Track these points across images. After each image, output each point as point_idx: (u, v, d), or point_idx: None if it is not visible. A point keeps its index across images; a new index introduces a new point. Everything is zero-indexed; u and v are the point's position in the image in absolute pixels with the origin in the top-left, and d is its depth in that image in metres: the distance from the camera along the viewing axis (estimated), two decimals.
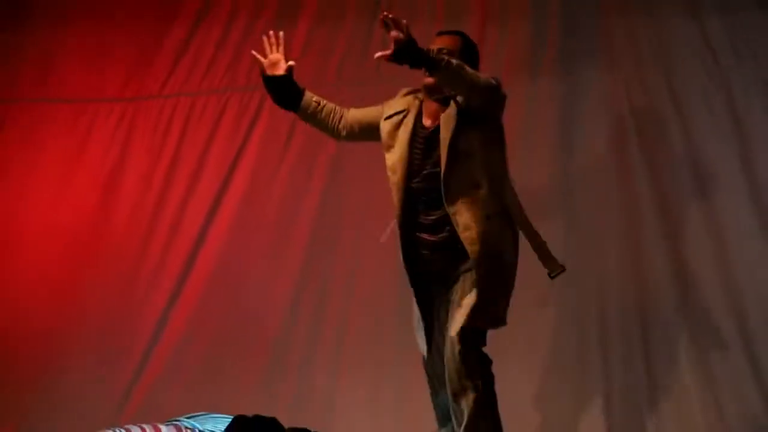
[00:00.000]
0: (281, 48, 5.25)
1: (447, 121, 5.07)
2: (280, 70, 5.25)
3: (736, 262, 6.22)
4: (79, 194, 6.98)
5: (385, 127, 5.24)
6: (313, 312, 6.66)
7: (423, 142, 5.12)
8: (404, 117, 5.22)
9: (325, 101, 5.35)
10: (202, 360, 6.72)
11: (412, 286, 5.24)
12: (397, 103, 5.25)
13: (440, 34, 5.27)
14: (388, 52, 4.80)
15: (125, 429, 5.55)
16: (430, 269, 5.19)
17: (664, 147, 6.35)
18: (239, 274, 6.80)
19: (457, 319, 5.04)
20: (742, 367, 6.10)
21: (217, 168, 6.89)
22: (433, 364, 5.24)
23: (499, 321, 5.13)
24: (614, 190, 6.39)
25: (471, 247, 5.01)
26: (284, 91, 5.32)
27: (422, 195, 5.14)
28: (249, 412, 5.67)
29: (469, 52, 5.21)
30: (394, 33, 4.77)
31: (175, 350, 6.75)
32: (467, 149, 5.04)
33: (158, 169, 6.94)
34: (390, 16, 4.83)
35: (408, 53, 4.82)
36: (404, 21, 4.80)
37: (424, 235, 5.13)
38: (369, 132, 5.31)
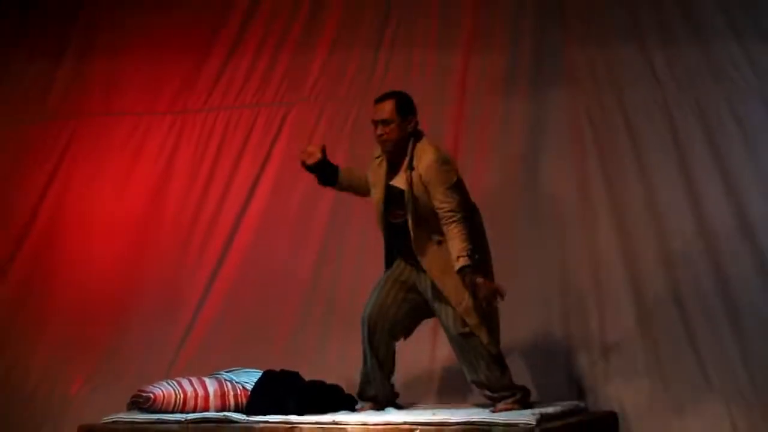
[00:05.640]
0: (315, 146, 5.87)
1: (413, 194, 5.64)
2: (316, 157, 5.86)
3: (674, 247, 6.55)
4: (137, 191, 7.44)
5: (370, 168, 5.86)
6: (329, 286, 7.03)
7: (392, 194, 5.76)
8: (381, 161, 5.80)
9: (352, 169, 5.91)
10: (238, 324, 7.08)
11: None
12: (375, 159, 5.83)
13: (377, 101, 5.75)
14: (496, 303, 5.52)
15: (176, 381, 6.13)
16: (406, 256, 5.84)
17: (615, 155, 6.71)
18: (267, 257, 7.17)
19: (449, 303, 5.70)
20: (680, 333, 6.47)
21: (249, 169, 7.30)
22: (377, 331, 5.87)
23: (497, 342, 5.74)
24: (574, 189, 6.74)
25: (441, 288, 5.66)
26: (324, 172, 5.89)
27: (394, 228, 5.80)
28: (276, 368, 6.26)
29: (404, 108, 5.70)
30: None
31: (216, 316, 7.14)
32: (430, 211, 5.64)
33: (201, 169, 7.37)
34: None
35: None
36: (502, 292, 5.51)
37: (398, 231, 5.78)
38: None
